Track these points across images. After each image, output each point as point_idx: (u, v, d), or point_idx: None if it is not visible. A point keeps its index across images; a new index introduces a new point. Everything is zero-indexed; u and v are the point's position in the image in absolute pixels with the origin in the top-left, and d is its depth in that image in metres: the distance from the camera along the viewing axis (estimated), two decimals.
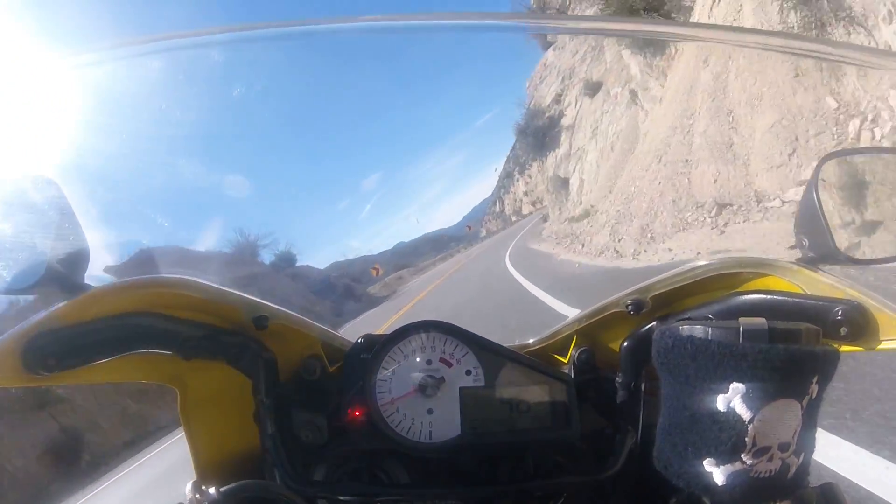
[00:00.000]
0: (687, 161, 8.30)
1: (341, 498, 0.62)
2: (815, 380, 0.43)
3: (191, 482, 0.55)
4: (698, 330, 0.45)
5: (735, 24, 7.73)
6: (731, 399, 0.42)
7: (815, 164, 0.59)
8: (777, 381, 0.41)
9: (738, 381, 0.42)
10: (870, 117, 5.43)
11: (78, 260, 0.56)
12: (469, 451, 0.61)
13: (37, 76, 0.54)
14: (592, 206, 13.99)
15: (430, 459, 0.62)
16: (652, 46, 11.65)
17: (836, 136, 5.84)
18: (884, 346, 0.50)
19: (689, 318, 0.50)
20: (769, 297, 0.55)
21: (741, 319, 0.43)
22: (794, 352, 0.41)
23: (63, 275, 0.54)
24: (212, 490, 0.53)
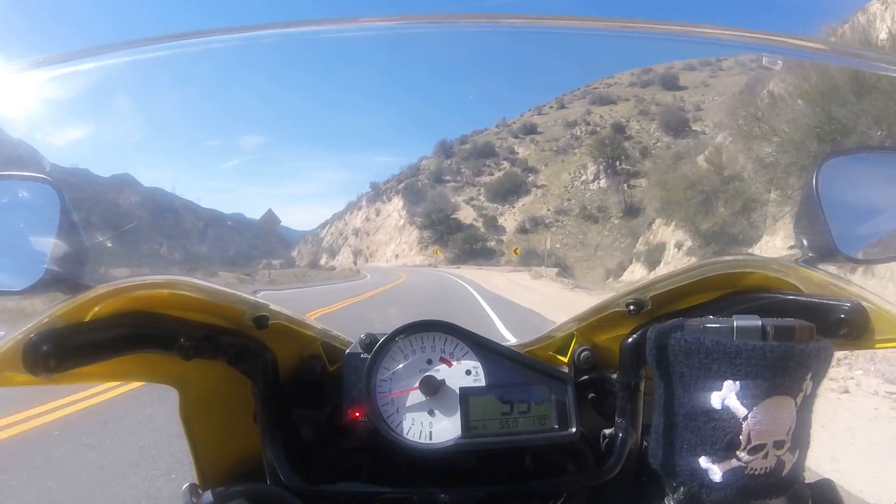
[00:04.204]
0: None
1: (341, 498, 0.62)
2: (808, 376, 0.43)
3: (187, 485, 0.55)
4: (692, 328, 0.46)
5: None
6: (726, 396, 0.43)
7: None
8: (771, 378, 0.42)
9: (733, 378, 0.42)
10: None
11: (78, 260, 0.56)
12: (469, 451, 0.61)
13: (38, 77, 0.54)
14: None
15: (431, 459, 0.62)
16: None
17: None
18: (883, 345, 0.51)
19: (684, 317, 0.51)
20: (769, 296, 0.55)
21: (735, 317, 0.44)
22: (788, 349, 0.42)
23: (63, 275, 0.54)
24: (207, 494, 0.53)
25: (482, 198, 66.52)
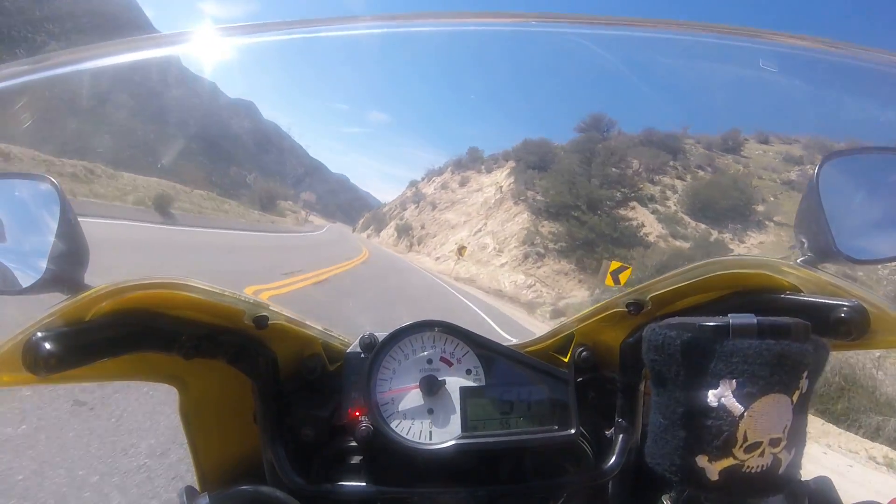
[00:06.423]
0: None
1: (341, 498, 0.62)
2: (805, 374, 0.43)
3: (183, 487, 0.55)
4: (688, 327, 0.46)
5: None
6: (722, 395, 0.43)
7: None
8: (767, 376, 0.42)
9: (728, 376, 0.42)
10: None
11: (78, 260, 0.56)
12: (469, 451, 0.61)
13: (41, 76, 0.55)
14: None
15: (430, 459, 0.62)
16: None
17: None
18: (883, 345, 0.51)
19: (679, 317, 0.51)
20: (769, 296, 0.55)
21: (730, 315, 0.44)
22: (784, 347, 0.42)
23: (63, 275, 0.55)
24: (204, 497, 0.53)
25: (672, 205, 33.76)
